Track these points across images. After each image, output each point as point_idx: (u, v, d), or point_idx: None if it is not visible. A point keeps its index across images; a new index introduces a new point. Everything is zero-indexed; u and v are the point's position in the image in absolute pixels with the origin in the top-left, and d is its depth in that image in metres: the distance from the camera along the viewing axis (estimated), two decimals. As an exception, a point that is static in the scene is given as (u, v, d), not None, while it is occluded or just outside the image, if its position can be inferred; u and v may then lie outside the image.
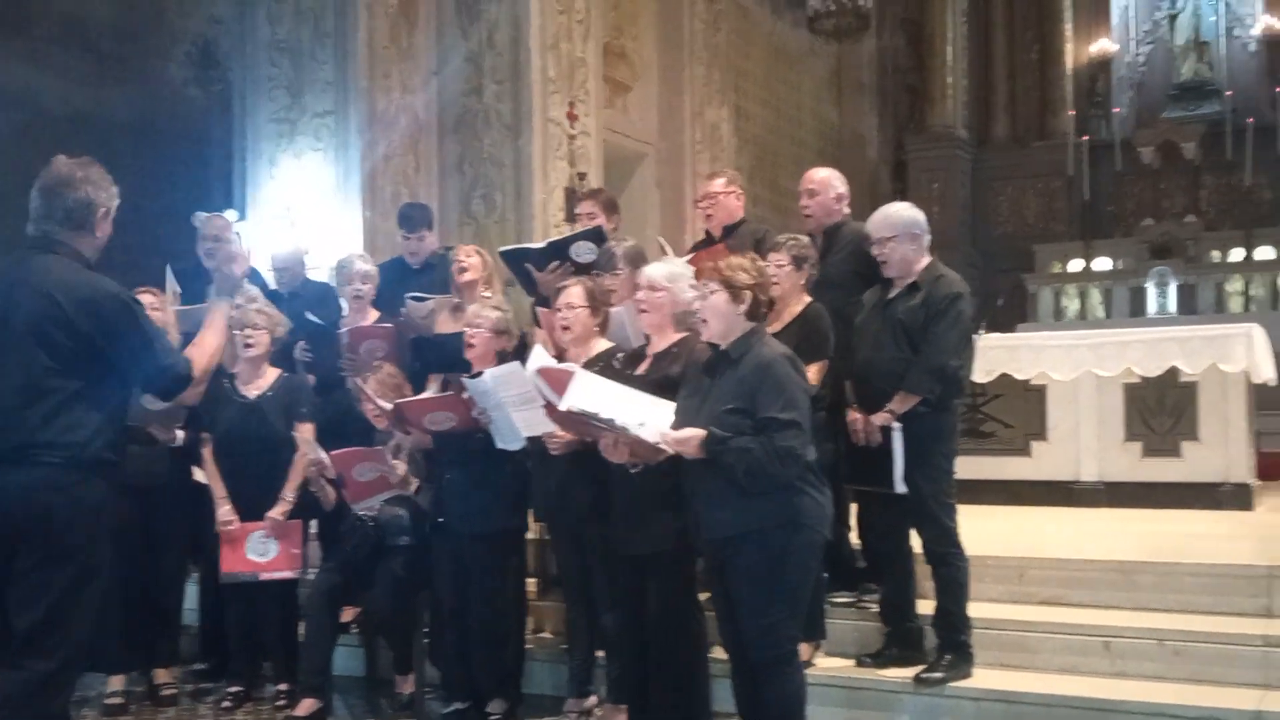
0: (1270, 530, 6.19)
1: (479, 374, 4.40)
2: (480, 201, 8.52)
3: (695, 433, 3.63)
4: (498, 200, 8.49)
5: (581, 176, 8.71)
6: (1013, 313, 13.20)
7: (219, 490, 4.98)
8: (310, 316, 5.54)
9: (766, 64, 12.89)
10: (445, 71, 8.51)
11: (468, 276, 5.21)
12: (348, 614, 5.02)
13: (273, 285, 5.98)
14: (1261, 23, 14.00)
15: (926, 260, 4.52)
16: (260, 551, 4.94)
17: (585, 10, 8.87)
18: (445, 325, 5.13)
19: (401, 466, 4.81)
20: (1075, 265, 13.56)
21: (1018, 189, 14.91)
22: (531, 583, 5.33)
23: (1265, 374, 6.96)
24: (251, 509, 4.96)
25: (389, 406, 4.61)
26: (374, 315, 5.49)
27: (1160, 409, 7.09)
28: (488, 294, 5.03)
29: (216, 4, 10.20)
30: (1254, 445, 7.32)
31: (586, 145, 8.91)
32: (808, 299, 4.58)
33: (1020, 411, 7.43)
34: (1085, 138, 14.13)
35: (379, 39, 8.17)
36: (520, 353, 4.58)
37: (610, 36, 9.89)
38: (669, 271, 4.10)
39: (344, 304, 5.65)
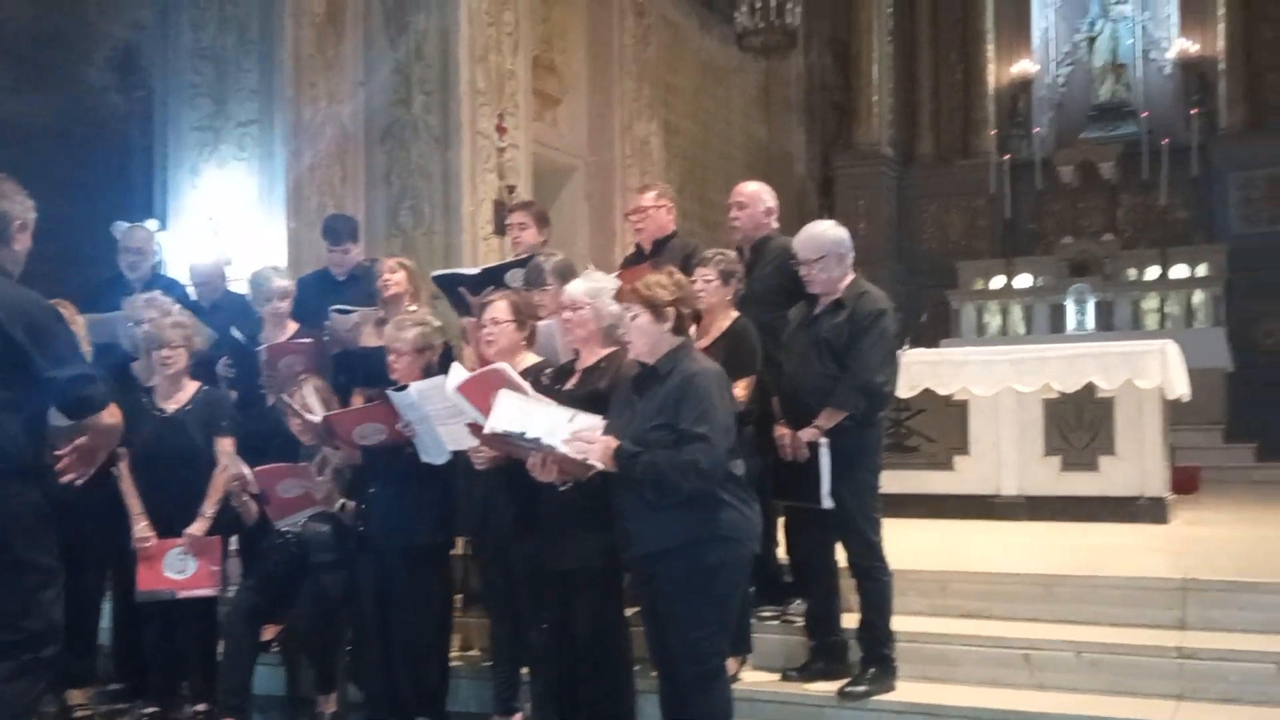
0: (1184, 544, 6.34)
1: (404, 387, 4.36)
2: (408, 213, 8.45)
3: (607, 442, 3.63)
4: (426, 212, 8.43)
5: (511, 189, 8.67)
6: (937, 328, 13.39)
7: (135, 506, 4.85)
8: (235, 333, 5.45)
9: (696, 79, 12.98)
10: (373, 82, 8.44)
11: (392, 291, 5.16)
12: (268, 632, 4.94)
13: (193, 297, 5.87)
14: (1176, 46, 14.40)
15: (851, 277, 4.57)
16: (178, 568, 4.83)
17: (514, 23, 8.86)
18: (370, 339, 5.08)
19: (326, 483, 4.74)
20: (997, 282, 13.81)
21: (942, 206, 15.15)
22: (456, 598, 5.28)
23: (1179, 390, 7.13)
24: (170, 525, 4.85)
25: (318, 418, 4.54)
26: (292, 328, 5.41)
27: (1078, 424, 7.24)
28: (413, 308, 4.99)
29: (139, 8, 10.00)
30: (1169, 460, 7.50)
31: (516, 158, 8.88)
32: (735, 314, 4.61)
33: (943, 426, 7.54)
34: (1007, 157, 14.41)
35: (305, 48, 8.07)
36: (446, 364, 4.54)
37: (540, 49, 9.89)
38: (589, 288, 4.10)
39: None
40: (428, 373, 4.50)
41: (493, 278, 4.99)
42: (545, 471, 3.81)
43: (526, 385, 3.93)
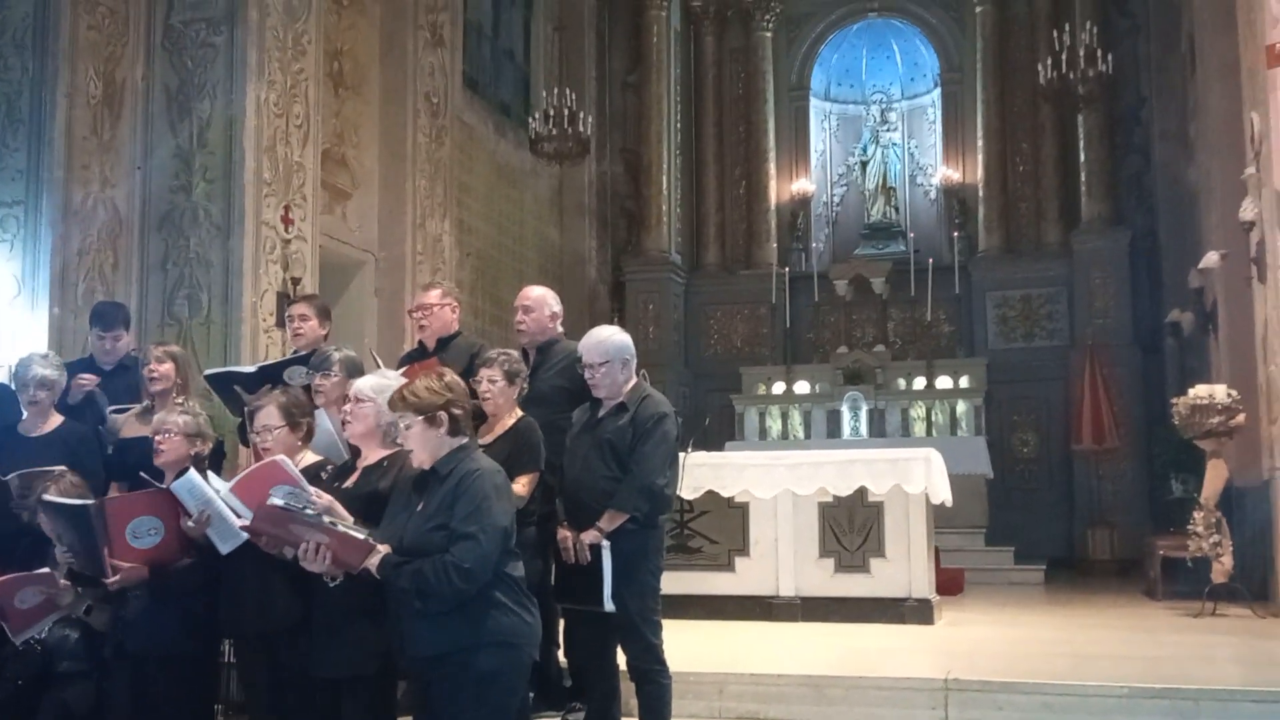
0: (948, 643, 6.62)
1: (184, 471, 4.14)
2: (184, 302, 8.14)
3: (378, 553, 3.56)
4: (204, 301, 8.13)
5: (295, 281, 8.50)
6: (722, 431, 13.73)
7: None
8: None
9: (490, 180, 13.10)
10: (151, 166, 8.15)
11: (159, 386, 4.93)
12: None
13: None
14: (940, 173, 15.47)
15: (634, 381, 4.65)
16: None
17: (304, 116, 8.76)
18: (132, 429, 4.83)
19: (70, 588, 4.40)
20: (778, 387, 14.29)
21: (727, 313, 15.62)
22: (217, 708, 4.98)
23: (942, 495, 7.51)
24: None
25: (90, 503, 4.21)
26: (56, 420, 5.10)
27: (851, 527, 7.51)
28: (180, 400, 4.77)
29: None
30: (934, 561, 7.85)
31: (302, 250, 8.72)
32: (519, 413, 4.62)
33: (725, 528, 7.69)
34: (786, 269, 15.03)
35: (79, 129, 7.75)
36: (217, 457, 4.36)
37: (331, 143, 9.80)
38: (376, 384, 4.05)
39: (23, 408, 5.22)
40: (197, 463, 4.30)
41: (270, 376, 4.84)
42: (317, 561, 3.66)
43: (303, 480, 3.81)
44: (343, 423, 4.08)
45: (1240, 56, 8.63)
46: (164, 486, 4.24)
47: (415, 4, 10.78)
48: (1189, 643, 6.75)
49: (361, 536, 3.59)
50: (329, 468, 4.19)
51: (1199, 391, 8.19)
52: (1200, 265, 10.26)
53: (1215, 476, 8.20)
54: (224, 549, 4.15)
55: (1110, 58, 12.00)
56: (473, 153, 12.59)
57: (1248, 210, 8.26)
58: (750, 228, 15.58)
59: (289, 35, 8.67)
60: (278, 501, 3.58)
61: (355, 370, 4.50)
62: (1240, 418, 8.06)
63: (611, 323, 13.31)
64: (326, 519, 3.58)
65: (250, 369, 5.08)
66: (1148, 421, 12.88)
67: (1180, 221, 12.67)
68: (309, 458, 4.26)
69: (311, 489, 3.77)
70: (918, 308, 14.34)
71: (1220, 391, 8.14)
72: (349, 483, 4.03)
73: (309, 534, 3.61)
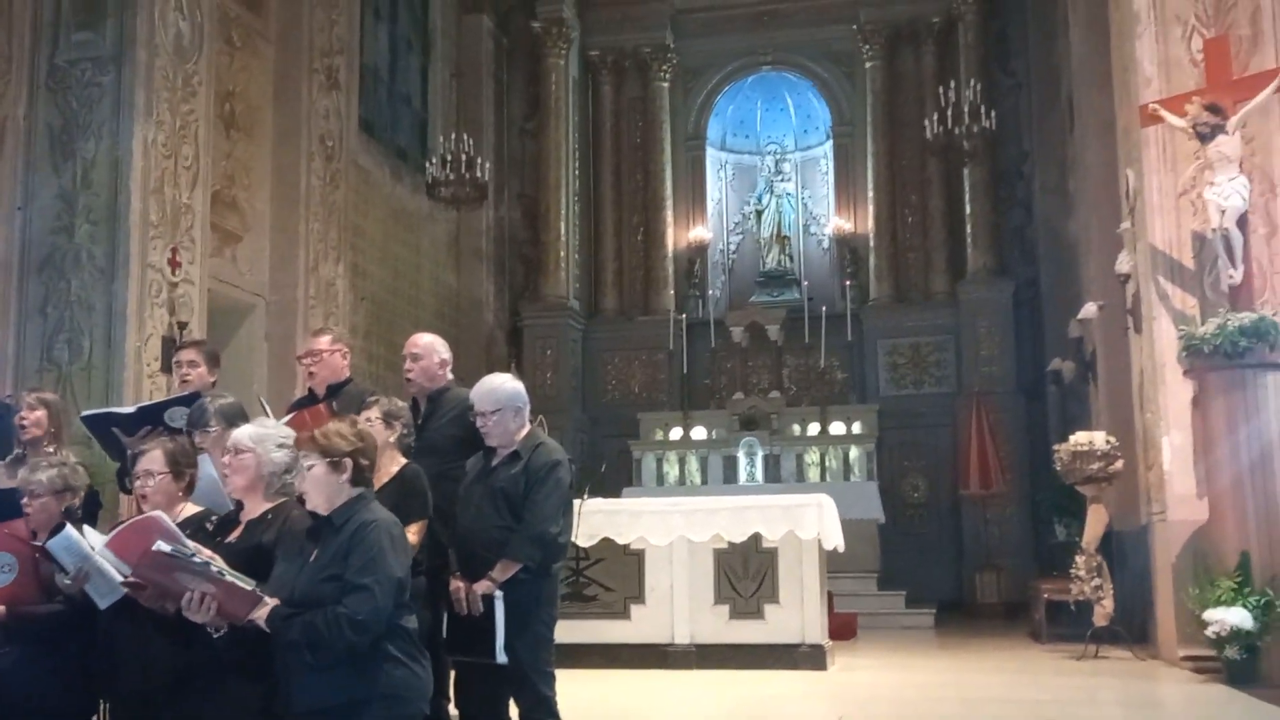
0: (841, 689, 6.67)
1: (60, 526, 3.99)
2: (64, 347, 7.90)
3: (266, 604, 3.47)
4: (85, 346, 7.90)
5: (182, 326, 8.30)
6: (620, 477, 13.73)
7: None
8: None
9: (386, 224, 12.99)
10: (32, 207, 7.93)
11: (31, 434, 4.76)
12: None
13: None
14: (833, 223, 15.79)
15: (527, 429, 4.63)
16: None
17: (194, 157, 8.61)
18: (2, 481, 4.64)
19: None
20: (676, 433, 14.36)
21: (625, 359, 15.66)
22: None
23: (834, 541, 7.61)
24: None
25: None
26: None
27: (745, 573, 7.56)
28: (50, 449, 4.60)
29: None
30: (827, 606, 7.93)
31: (190, 293, 8.53)
32: (403, 460, 4.56)
33: (620, 575, 7.68)
34: (684, 316, 15.15)
35: (-45, 168, 7.52)
36: (93, 506, 4.20)
37: (222, 185, 9.63)
38: (254, 433, 3.93)
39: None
40: (69, 515, 4.15)
41: (150, 417, 4.69)
42: (202, 611, 3.55)
43: (183, 536, 3.70)
44: (223, 475, 3.96)
45: (1116, 115, 9.01)
46: (38, 543, 4.10)
47: (310, 47, 10.70)
48: (1072, 685, 6.91)
49: (249, 587, 3.50)
50: (212, 519, 4.07)
51: (1079, 438, 8.45)
52: (1079, 315, 10.62)
53: (1096, 521, 8.45)
54: (103, 604, 4.00)
55: (994, 114, 12.44)
56: (369, 196, 12.49)
57: (1123, 263, 8.60)
58: (648, 274, 15.70)
59: (179, 76, 8.53)
60: (165, 547, 3.47)
61: (234, 418, 4.39)
62: (1119, 464, 8.33)
63: (509, 368, 13.32)
64: (214, 567, 3.49)
65: (129, 410, 4.92)
66: (1032, 467, 13.24)
67: (1061, 273, 13.11)
68: (190, 509, 4.14)
69: (191, 544, 3.66)
70: (812, 354, 14.55)
71: (1099, 438, 8.41)
72: (232, 537, 3.92)
73: (194, 583, 3.51)
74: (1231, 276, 7.27)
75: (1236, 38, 7.77)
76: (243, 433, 3.94)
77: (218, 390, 5.01)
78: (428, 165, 13.16)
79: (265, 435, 3.91)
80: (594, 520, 7.43)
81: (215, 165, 9.29)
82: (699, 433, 14.30)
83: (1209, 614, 6.78)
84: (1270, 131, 7.68)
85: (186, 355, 5.38)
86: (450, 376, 5.12)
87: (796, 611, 7.44)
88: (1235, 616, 6.69)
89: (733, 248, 16.45)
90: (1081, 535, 8.63)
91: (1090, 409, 11.00)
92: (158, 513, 3.79)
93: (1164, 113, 7.58)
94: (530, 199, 15.64)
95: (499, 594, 4.37)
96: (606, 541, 7.62)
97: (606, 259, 15.83)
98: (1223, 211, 7.25)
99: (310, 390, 5.39)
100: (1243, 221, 7.30)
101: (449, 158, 12.91)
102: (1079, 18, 10.79)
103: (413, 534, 4.22)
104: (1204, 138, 7.37)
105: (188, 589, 3.52)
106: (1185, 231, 7.75)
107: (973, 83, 12.79)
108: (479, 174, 12.99)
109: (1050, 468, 9.53)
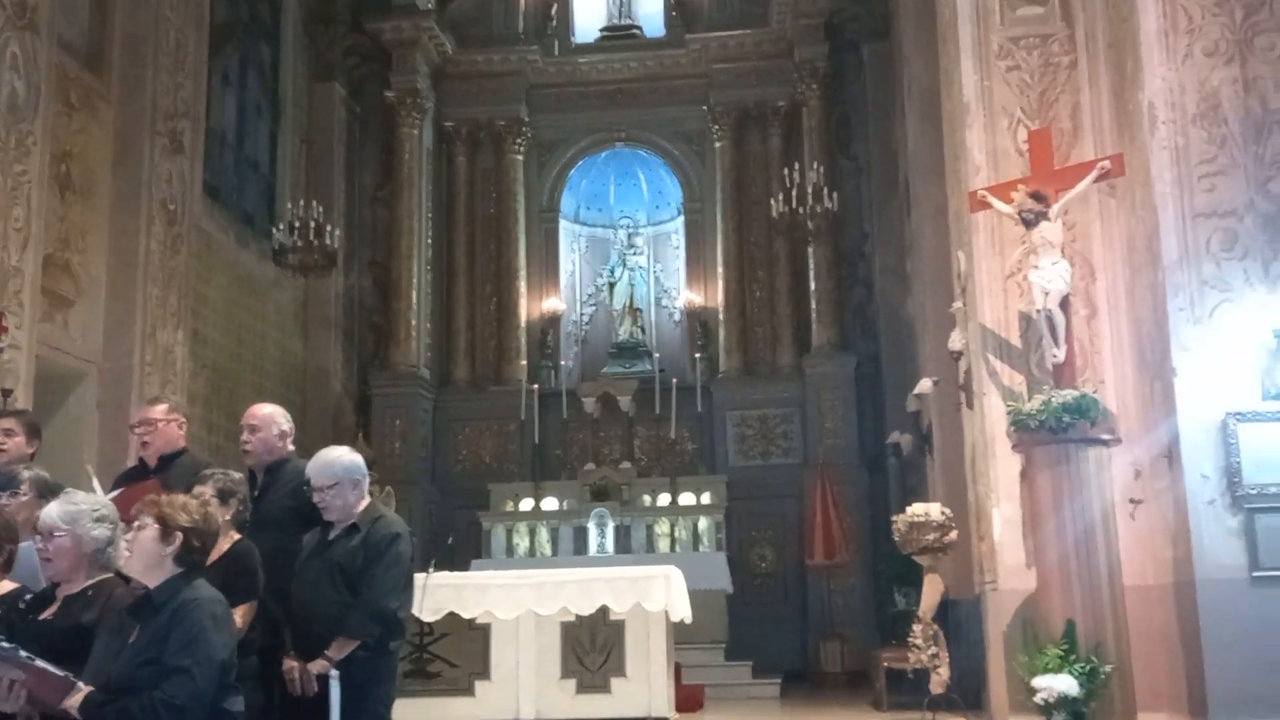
0: (685, 761, 6.67)
1: None
2: (-126, 415, 7.43)
3: (79, 691, 3.32)
4: (-101, 415, 7.45)
5: (7, 393, 7.92)
6: (470, 549, 13.55)
7: None
8: None
9: (230, 290, 12.69)
10: None
11: None
12: None
13: None
14: (684, 297, 16.07)
15: (366, 502, 4.55)
16: None
17: (25, 219, 8.30)
18: None
19: None
20: (526, 504, 14.27)
21: (476, 429, 15.54)
22: None
23: (681, 612, 7.65)
24: None
25: None
26: None
27: (593, 646, 7.53)
28: None
29: None
30: (675, 678, 7.94)
31: (16, 359, 8.17)
32: (236, 535, 4.43)
33: (465, 650, 7.56)
34: (536, 386, 15.15)
35: None
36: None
37: (55, 248, 9.28)
38: (65, 511, 3.73)
39: None
40: None
41: None
42: (11, 700, 3.36)
43: None
44: (40, 559, 3.76)
45: (949, 200, 9.45)
46: None
47: (154, 110, 10.44)
48: (910, 752, 7.05)
49: (61, 673, 3.34)
50: (26, 596, 3.87)
51: (916, 510, 8.71)
52: (916, 390, 11.01)
53: (932, 591, 8.69)
54: None
55: (835, 196, 12.92)
56: (211, 262, 12.19)
57: (956, 341, 8.96)
58: (500, 344, 15.67)
59: (12, 136, 8.26)
60: None
61: (47, 492, 4.20)
62: (953, 534, 8.61)
63: (356, 438, 13.07)
64: (22, 653, 3.31)
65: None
66: (874, 537, 13.57)
67: (900, 349, 13.60)
68: (5, 585, 3.93)
69: None
70: (662, 426, 14.70)
71: (935, 510, 8.68)
72: (48, 613, 3.74)
73: (2, 669, 3.33)
74: (1055, 355, 7.62)
75: (1059, 130, 8.24)
76: (51, 514, 3.72)
77: (35, 463, 4.81)
78: (275, 231, 12.94)
79: (79, 513, 3.72)
80: (440, 594, 7.32)
81: (48, 228, 8.97)
82: (550, 503, 14.25)
83: (1037, 681, 6.99)
84: (1090, 219, 8.14)
85: (4, 425, 5.17)
86: (291, 448, 5.01)
87: (644, 684, 7.43)
88: (1062, 683, 6.91)
89: (585, 319, 16.58)
90: (920, 605, 8.86)
91: (927, 481, 11.35)
92: None
93: (992, 199, 7.97)
94: (381, 267, 15.50)
95: (334, 673, 4.26)
96: (452, 616, 7.50)
97: (459, 328, 15.74)
98: (1046, 294, 7.61)
99: (141, 460, 5.21)
100: (1065, 303, 7.67)
101: (296, 224, 12.74)
102: (914, 107, 11.33)
103: (239, 615, 4.07)
104: (1029, 224, 7.75)
105: None
106: (1013, 312, 8.12)
107: (816, 165, 13.28)
108: (328, 241, 12.84)
109: (891, 538, 9.78)
